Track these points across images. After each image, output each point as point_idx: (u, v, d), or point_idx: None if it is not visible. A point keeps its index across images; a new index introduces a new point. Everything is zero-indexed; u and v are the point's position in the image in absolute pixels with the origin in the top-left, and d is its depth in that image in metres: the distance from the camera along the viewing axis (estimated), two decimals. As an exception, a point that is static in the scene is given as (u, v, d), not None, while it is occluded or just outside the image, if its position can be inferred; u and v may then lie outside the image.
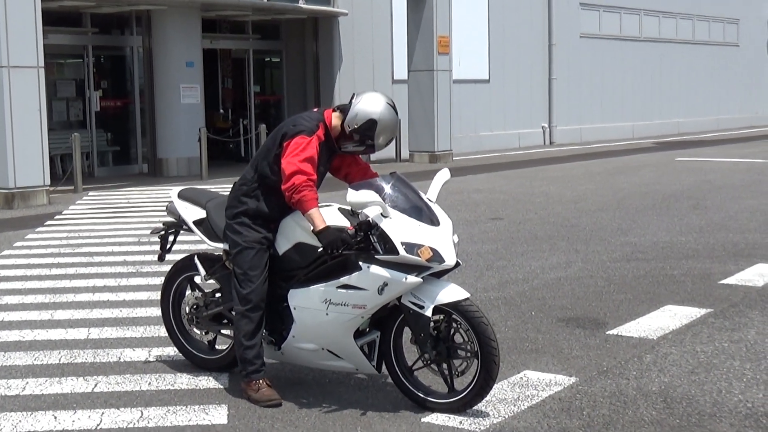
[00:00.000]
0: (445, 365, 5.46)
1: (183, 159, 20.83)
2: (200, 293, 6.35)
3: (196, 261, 6.21)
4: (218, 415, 5.52)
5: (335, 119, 5.77)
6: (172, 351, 6.74)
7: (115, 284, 9.16)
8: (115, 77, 22.18)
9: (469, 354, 5.35)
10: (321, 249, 5.43)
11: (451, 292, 5.36)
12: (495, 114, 27.55)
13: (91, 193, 17.27)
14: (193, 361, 6.40)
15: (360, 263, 5.38)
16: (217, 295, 6.22)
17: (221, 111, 24.52)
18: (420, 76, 22.90)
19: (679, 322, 7.36)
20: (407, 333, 5.57)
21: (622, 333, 7.10)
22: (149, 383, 6.11)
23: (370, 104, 5.67)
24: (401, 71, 23.86)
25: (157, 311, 7.94)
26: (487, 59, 27.49)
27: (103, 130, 21.19)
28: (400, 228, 5.33)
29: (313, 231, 5.42)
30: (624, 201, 14.84)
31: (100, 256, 10.74)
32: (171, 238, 6.49)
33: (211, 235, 6.04)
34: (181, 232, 6.47)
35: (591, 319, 7.55)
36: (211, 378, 6.19)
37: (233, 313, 5.82)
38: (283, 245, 5.75)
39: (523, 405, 5.56)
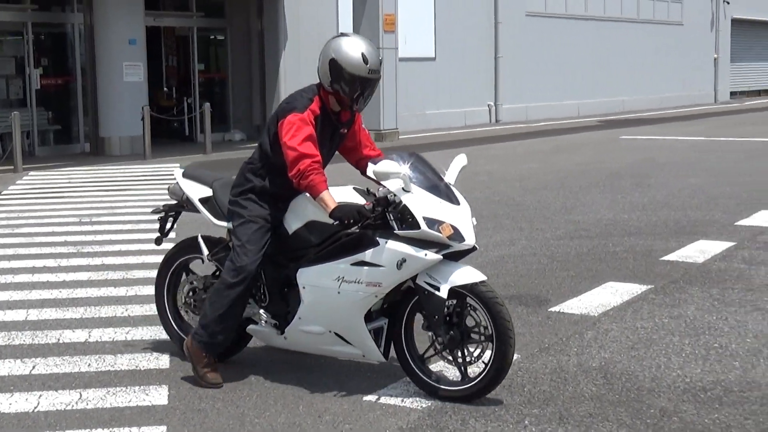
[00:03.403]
0: (458, 351, 5.28)
1: (126, 138, 20.60)
2: (199, 276, 6.15)
3: (200, 241, 6.00)
4: (158, 395, 5.46)
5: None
6: (112, 331, 6.67)
7: (55, 265, 9.04)
8: (56, 55, 21.83)
9: (483, 338, 5.20)
10: (336, 223, 5.25)
11: (467, 274, 5.18)
12: (441, 92, 27.56)
13: (31, 173, 17.02)
14: (179, 343, 6.14)
15: (377, 238, 5.22)
16: (217, 278, 5.97)
17: (165, 89, 24.24)
18: (366, 54, 22.80)
19: (620, 299, 7.42)
20: (417, 321, 5.43)
21: (563, 310, 7.15)
22: (89, 365, 6.02)
23: (322, 54, 5.46)
24: (347, 49, 23.74)
25: (97, 291, 7.89)
26: (433, 37, 27.48)
27: (43, 108, 20.86)
28: (422, 203, 5.16)
29: (328, 214, 5.24)
30: (568, 179, 14.93)
31: (40, 236, 10.59)
32: (170, 221, 6.34)
33: (216, 214, 5.86)
34: (183, 213, 6.32)
35: (533, 296, 7.59)
36: (152, 359, 6.12)
37: (218, 282, 5.61)
38: (293, 224, 5.58)
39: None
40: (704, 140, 21.99)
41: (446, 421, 5.04)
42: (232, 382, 5.63)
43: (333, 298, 5.35)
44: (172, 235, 6.51)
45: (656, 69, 37.77)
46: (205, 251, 5.94)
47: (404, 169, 5.17)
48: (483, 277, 5.21)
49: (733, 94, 45.14)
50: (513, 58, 29.89)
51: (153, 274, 8.42)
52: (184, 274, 6.26)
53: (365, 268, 5.24)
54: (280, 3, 23.51)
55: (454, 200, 5.34)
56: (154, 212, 6.48)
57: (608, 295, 7.53)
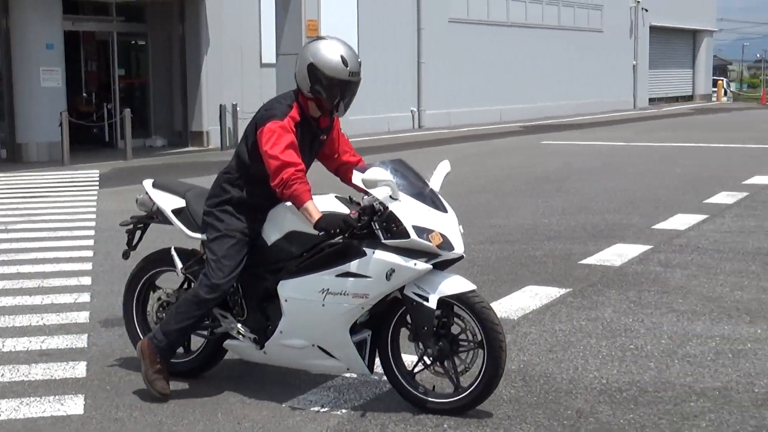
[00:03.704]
0: (448, 362, 5.13)
1: (44, 144, 20.30)
2: (170, 289, 5.87)
3: (174, 253, 5.74)
4: (74, 405, 5.36)
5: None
6: (27, 341, 6.55)
7: (-32, 273, 8.84)
8: (-29, 59, 21.41)
9: (472, 346, 5.07)
10: (321, 234, 5.06)
11: (456, 283, 5.03)
12: (364, 98, 27.29)
13: (-54, 180, 16.65)
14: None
15: (364, 248, 5.04)
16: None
17: (84, 94, 23.93)
18: (289, 59, 22.68)
19: (539, 302, 7.49)
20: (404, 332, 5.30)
21: (484, 313, 7.18)
22: (2, 374, 5.89)
23: (299, 59, 5.26)
24: (269, 55, 23.69)
25: (12, 300, 7.72)
26: (357, 43, 27.48)
27: (-42, 114, 20.45)
28: (411, 211, 5.00)
29: (312, 225, 5.04)
30: (490, 184, 15.05)
31: (-47, 244, 10.35)
32: (138, 234, 6.08)
33: (190, 225, 5.63)
34: (152, 225, 6.10)
35: (454, 300, 7.61)
36: (67, 368, 6.01)
37: (189, 293, 5.43)
38: (272, 235, 5.37)
39: (384, 388, 5.56)
40: (623, 145, 22.34)
41: (366, 425, 5.03)
42: (149, 390, 5.55)
43: (317, 310, 5.17)
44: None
45: (577, 75, 38.32)
46: (179, 264, 5.71)
47: (391, 177, 5.00)
48: (473, 287, 5.08)
49: (651, 100, 46.02)
50: (436, 64, 30.08)
51: (70, 282, 8.38)
52: (152, 289, 6.03)
53: (351, 279, 5.07)
54: (201, 8, 23.35)
55: (441, 208, 5.19)
56: (122, 224, 6.15)
57: (528, 299, 7.60)
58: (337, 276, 5.11)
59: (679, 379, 5.67)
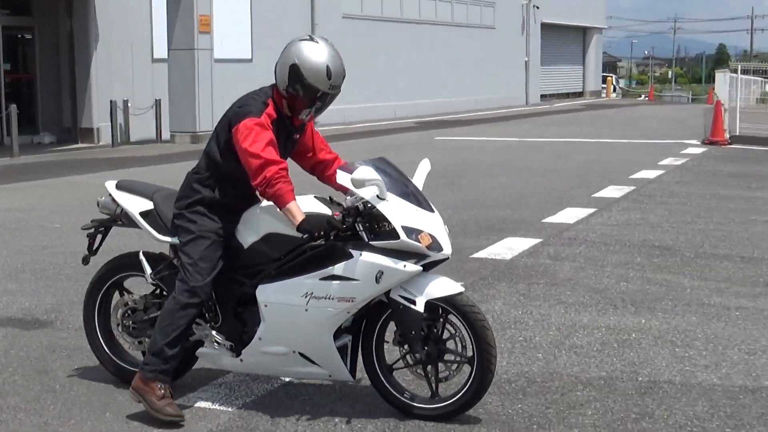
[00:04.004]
0: (430, 367, 4.98)
1: (-77, 141, 19.67)
2: (136, 295, 5.58)
3: (142, 258, 5.43)
4: (-45, 409, 5.22)
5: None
6: None
7: None
8: None
9: (461, 358, 4.92)
10: (304, 236, 4.81)
11: (443, 286, 4.89)
12: (258, 94, 27.36)
13: None
14: (125, 377, 5.49)
15: (350, 250, 4.86)
16: (161, 298, 5.49)
17: (-33, 90, 23.25)
18: (180, 55, 22.50)
19: (431, 296, 7.54)
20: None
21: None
22: None
23: (284, 54, 5.02)
24: (161, 50, 23.37)
25: None
26: (250, 39, 27.36)
27: None
28: (399, 211, 4.84)
29: (295, 227, 4.83)
30: (384, 179, 15.08)
31: None
32: (99, 238, 5.72)
33: (159, 228, 5.33)
34: (114, 229, 5.74)
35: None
36: (-52, 371, 5.85)
37: (168, 304, 5.11)
38: (249, 237, 5.12)
39: (276, 383, 5.54)
40: (515, 141, 22.67)
41: (257, 421, 5.01)
42: (35, 391, 5.45)
43: (300, 316, 4.96)
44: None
45: (471, 71, 38.73)
46: (148, 269, 5.40)
47: (379, 176, 4.79)
48: (461, 289, 4.93)
49: (543, 96, 46.76)
50: (330, 60, 30.02)
51: (-49, 282, 8.14)
52: (117, 295, 5.72)
53: (336, 282, 4.87)
54: (90, 2, 22.90)
55: (427, 207, 5.03)
56: (83, 228, 5.74)
57: (420, 293, 7.63)
58: (322, 279, 4.91)
59: (566, 370, 5.79)
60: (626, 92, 67.76)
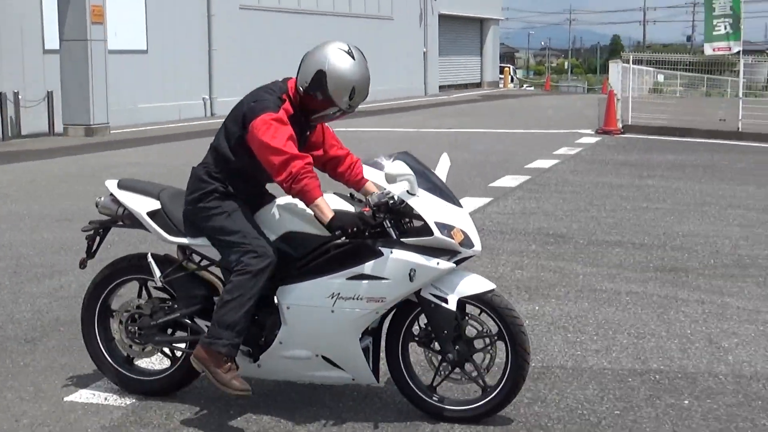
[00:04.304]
0: (468, 365, 4.85)
1: None
2: (141, 300, 5.27)
3: (151, 261, 5.14)
4: None
5: (294, 86, 4.95)
6: None
7: None
8: None
9: (489, 344, 4.83)
10: (337, 233, 4.65)
11: (476, 283, 4.77)
12: (154, 85, 27.05)
13: None
14: (126, 385, 5.30)
15: (379, 248, 4.69)
16: (168, 301, 5.23)
17: None
18: (73, 46, 22.04)
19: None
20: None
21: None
22: None
23: (317, 54, 4.87)
24: (53, 41, 22.85)
25: None
26: (145, 29, 26.94)
27: None
28: (431, 207, 4.71)
29: (324, 224, 4.66)
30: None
31: None
32: (97, 240, 5.43)
33: (169, 229, 5.08)
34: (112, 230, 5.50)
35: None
36: None
37: (235, 279, 4.76)
38: (267, 237, 4.89)
39: (171, 378, 5.48)
40: (414, 131, 22.79)
41: (150, 416, 4.98)
42: None
43: (325, 317, 4.77)
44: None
45: (369, 62, 38.58)
46: (158, 272, 5.11)
47: (410, 171, 4.66)
48: (492, 286, 4.82)
49: (441, 87, 47.07)
50: (228, 51, 29.82)
51: None
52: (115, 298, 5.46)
53: (365, 282, 4.70)
54: (-23, -9, 22.30)
55: (456, 202, 4.88)
56: (83, 230, 5.43)
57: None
58: (349, 279, 4.73)
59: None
60: (523, 82, 68.63)
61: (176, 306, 5.15)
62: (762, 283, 7.88)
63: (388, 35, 40.53)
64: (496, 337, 4.81)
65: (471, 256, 4.79)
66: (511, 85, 57.73)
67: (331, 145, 5.24)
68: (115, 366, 5.32)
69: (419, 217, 4.70)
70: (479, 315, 4.88)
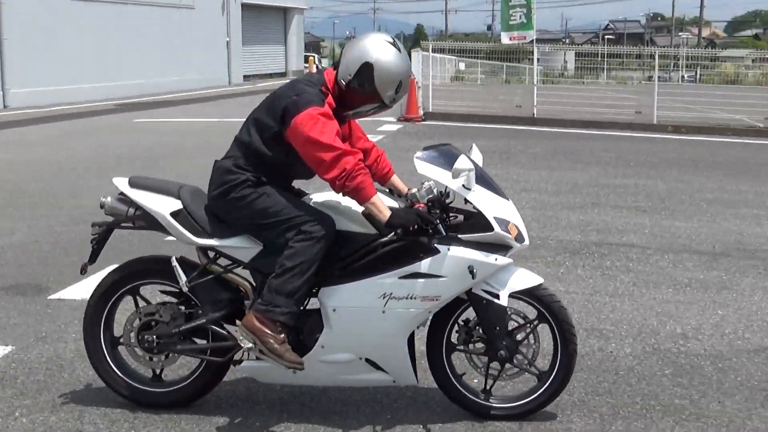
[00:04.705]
0: (517, 357, 4.78)
1: None
2: (163, 305, 4.91)
3: (176, 265, 4.77)
4: None
5: (333, 78, 4.71)
6: None
7: None
8: None
9: (532, 335, 4.79)
10: (398, 232, 4.48)
11: (525, 278, 4.70)
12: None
13: None
14: (134, 397, 4.97)
15: (436, 245, 4.53)
16: (182, 307, 4.91)
17: None
18: None
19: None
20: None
21: (64, 297, 7.00)
22: None
23: (361, 46, 4.63)
24: None
25: None
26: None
27: None
28: (488, 202, 4.59)
29: (381, 222, 4.47)
30: (79, 164, 14.63)
31: None
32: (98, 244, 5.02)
33: (194, 230, 4.73)
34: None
35: (33, 285, 7.35)
36: None
37: (296, 245, 4.51)
38: None
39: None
40: (217, 122, 22.55)
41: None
42: None
43: (375, 319, 4.58)
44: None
45: (173, 52, 38.13)
46: (183, 277, 4.75)
47: (472, 164, 4.52)
48: (541, 280, 4.75)
49: (246, 77, 46.79)
50: (21, 39, 28.66)
51: None
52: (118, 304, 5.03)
53: (421, 281, 4.54)
54: None
55: (504, 195, 4.75)
56: (92, 234, 5.00)
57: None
58: (402, 278, 4.55)
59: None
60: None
61: (201, 312, 4.82)
62: (551, 263, 8.22)
63: (189, 25, 39.93)
64: (537, 321, 4.79)
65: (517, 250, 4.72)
66: (316, 74, 57.82)
67: (358, 137, 5.02)
68: (126, 379, 4.98)
69: (478, 213, 4.59)
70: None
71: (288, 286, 4.52)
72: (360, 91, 4.63)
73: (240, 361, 4.81)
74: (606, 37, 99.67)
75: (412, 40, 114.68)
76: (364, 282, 4.58)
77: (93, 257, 4.97)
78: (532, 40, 23.10)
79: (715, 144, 19.00)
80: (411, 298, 4.56)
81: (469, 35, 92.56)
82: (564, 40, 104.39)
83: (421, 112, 22.63)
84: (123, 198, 4.90)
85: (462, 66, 38.78)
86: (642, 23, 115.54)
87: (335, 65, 4.74)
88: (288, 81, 4.84)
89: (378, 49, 4.61)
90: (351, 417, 4.90)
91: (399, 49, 4.64)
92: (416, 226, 4.48)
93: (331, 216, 4.60)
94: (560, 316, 4.75)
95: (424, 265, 4.54)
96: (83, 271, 4.97)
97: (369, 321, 4.59)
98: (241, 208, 4.64)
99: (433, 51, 26.99)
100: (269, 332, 4.55)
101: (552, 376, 4.82)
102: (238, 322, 4.66)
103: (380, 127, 20.37)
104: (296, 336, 4.71)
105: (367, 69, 4.58)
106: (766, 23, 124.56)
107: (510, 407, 4.86)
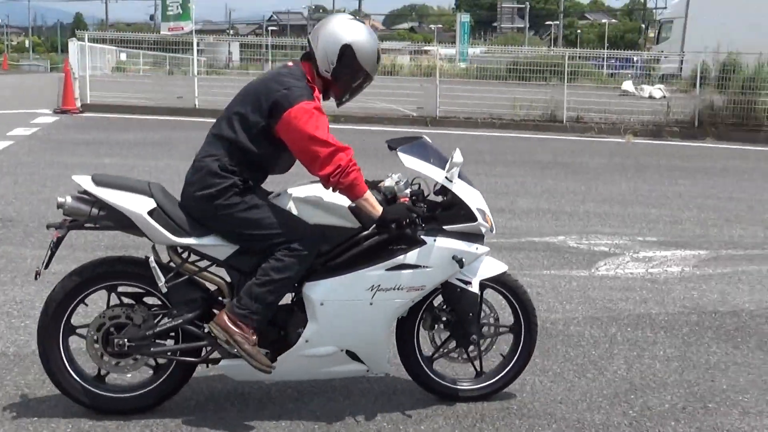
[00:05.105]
0: (473, 348, 5.06)
1: None
2: (132, 307, 4.73)
3: (155, 266, 4.63)
4: None
5: (313, 71, 4.74)
6: None
7: None
8: None
9: (499, 329, 5.15)
10: (392, 226, 4.58)
11: (493, 265, 4.99)
12: None
13: None
14: (104, 407, 4.77)
15: (422, 237, 4.70)
16: (152, 308, 4.79)
17: None
18: None
19: None
20: None
21: None
22: None
23: (331, 33, 4.72)
24: None
25: None
26: None
27: None
28: (469, 194, 4.84)
29: (376, 218, 4.59)
30: None
31: None
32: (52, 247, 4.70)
33: (172, 229, 4.61)
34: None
35: None
36: None
37: (278, 259, 4.58)
38: None
39: None
40: None
41: None
42: None
43: (362, 311, 4.70)
44: None
45: None
46: (162, 278, 4.64)
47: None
48: (506, 267, 5.05)
49: None
50: None
51: None
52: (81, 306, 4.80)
53: (407, 271, 4.69)
54: None
55: (473, 185, 4.95)
56: (56, 237, 4.67)
57: None
58: (389, 270, 4.68)
59: None
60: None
61: (175, 312, 4.73)
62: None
63: None
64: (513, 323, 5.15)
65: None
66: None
67: None
68: (88, 386, 4.79)
69: (459, 204, 4.79)
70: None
71: (269, 297, 4.63)
72: (347, 74, 4.75)
73: (218, 360, 4.79)
74: (269, 28, 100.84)
75: (71, 29, 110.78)
76: (352, 275, 4.70)
77: (48, 262, 4.69)
78: (191, 31, 22.95)
79: (377, 133, 19.73)
80: (398, 288, 4.73)
81: (131, 25, 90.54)
82: (228, 31, 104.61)
83: (79, 104, 21.87)
84: (83, 197, 4.69)
85: (123, 56, 37.87)
86: (305, 15, 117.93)
87: (305, 58, 4.81)
88: (266, 75, 4.85)
89: (349, 29, 4.74)
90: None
91: (362, 22, 4.87)
92: (407, 221, 4.62)
93: (318, 231, 4.69)
94: (524, 300, 5.10)
95: (411, 256, 4.72)
96: (38, 277, 4.74)
97: (356, 313, 4.73)
98: (228, 216, 4.63)
99: (93, 41, 26.18)
100: (243, 333, 4.63)
101: (516, 356, 5.16)
102: (213, 321, 4.69)
103: (35, 120, 19.45)
104: (277, 332, 4.79)
105: (348, 51, 4.70)
106: (421, 17, 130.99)
107: (477, 388, 5.15)
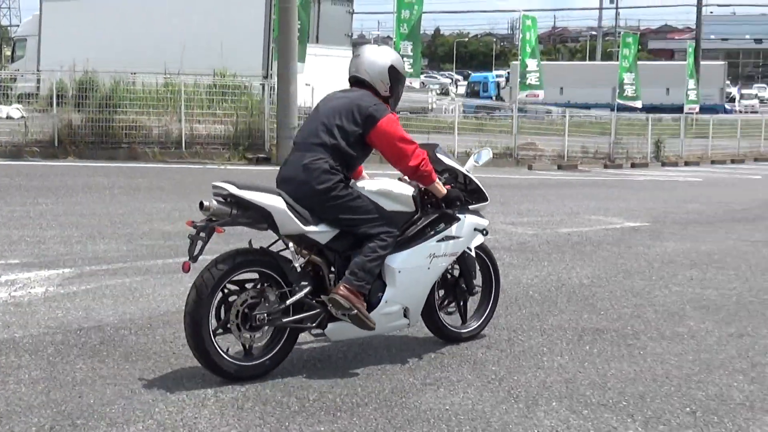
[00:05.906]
0: (462, 301, 6.71)
1: None
2: (259, 289, 5.75)
3: (293, 250, 5.81)
4: None
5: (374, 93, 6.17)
6: None
7: None
8: None
9: (479, 286, 6.80)
10: (457, 204, 6.36)
11: (478, 237, 6.59)
12: None
13: None
14: (228, 373, 5.66)
15: (458, 215, 6.30)
16: (275, 288, 5.80)
17: None
18: None
19: None
20: None
21: None
22: None
23: (374, 61, 6.15)
24: None
25: None
26: None
27: None
28: (480, 181, 6.60)
29: (442, 197, 6.24)
30: None
31: None
32: (200, 243, 5.53)
33: (301, 220, 5.73)
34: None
35: None
36: None
37: (378, 241, 5.90)
38: None
39: None
40: None
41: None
42: None
43: (423, 274, 6.14)
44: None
45: None
46: (301, 260, 5.80)
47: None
48: (483, 238, 6.65)
49: None
50: None
51: None
52: (221, 294, 5.65)
53: (450, 241, 6.25)
54: None
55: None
56: (195, 236, 5.56)
57: None
58: (439, 241, 6.19)
59: None
60: None
61: (297, 288, 5.75)
62: None
63: None
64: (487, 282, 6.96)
65: None
66: None
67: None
68: (227, 357, 5.65)
69: (476, 188, 6.59)
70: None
71: (376, 270, 5.91)
72: (397, 87, 6.19)
73: (325, 325, 5.90)
74: None
75: None
76: (418, 247, 6.14)
77: (199, 253, 5.52)
78: None
79: None
80: (444, 255, 6.25)
81: None
82: None
83: None
84: (222, 200, 5.60)
85: None
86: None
87: (356, 86, 6.19)
88: (345, 96, 6.11)
89: (387, 54, 6.19)
90: None
91: (383, 45, 6.21)
92: (459, 201, 6.33)
93: (396, 216, 6.06)
94: (493, 258, 6.92)
95: (453, 229, 6.30)
96: (187, 269, 5.47)
97: (420, 276, 6.15)
98: (340, 205, 5.83)
99: None
100: (360, 300, 5.83)
101: (489, 305, 6.93)
102: (334, 292, 5.79)
103: None
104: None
105: (394, 71, 6.16)
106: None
107: (473, 329, 6.80)
